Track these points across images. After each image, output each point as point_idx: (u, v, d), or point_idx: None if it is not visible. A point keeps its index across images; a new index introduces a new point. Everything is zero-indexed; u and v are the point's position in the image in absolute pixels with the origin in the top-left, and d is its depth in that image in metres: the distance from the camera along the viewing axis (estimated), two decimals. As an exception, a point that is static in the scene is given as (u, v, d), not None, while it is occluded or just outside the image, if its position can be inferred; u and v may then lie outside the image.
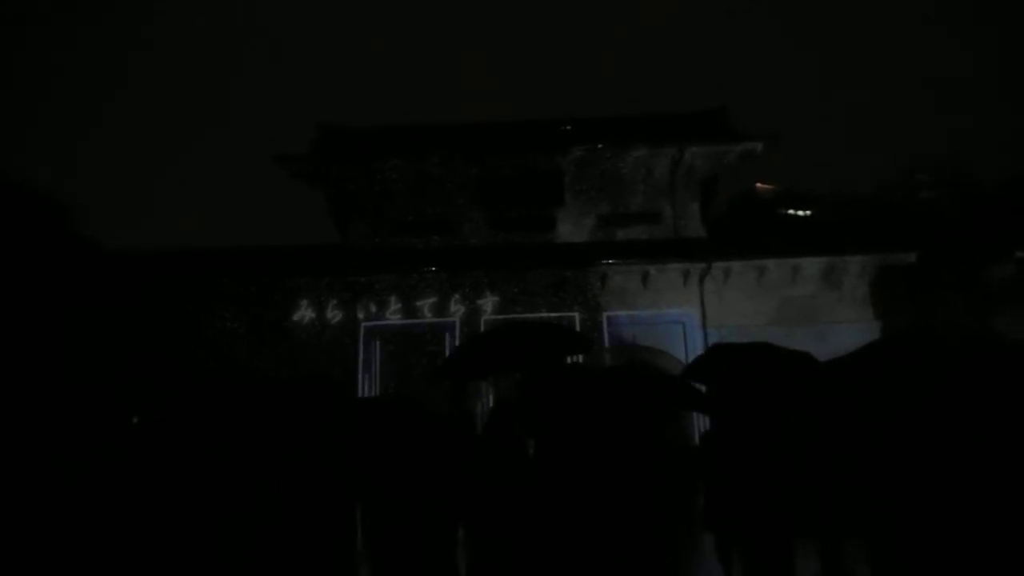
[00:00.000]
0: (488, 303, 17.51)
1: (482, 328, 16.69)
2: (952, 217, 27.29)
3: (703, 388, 6.79)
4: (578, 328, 16.05)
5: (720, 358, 6.90)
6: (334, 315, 17.51)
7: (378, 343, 17.68)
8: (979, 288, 19.96)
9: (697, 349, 16.92)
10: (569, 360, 8.95)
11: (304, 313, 17.47)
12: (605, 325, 17.43)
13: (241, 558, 4.71)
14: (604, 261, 17.55)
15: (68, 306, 16.05)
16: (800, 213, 42.13)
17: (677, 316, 17.62)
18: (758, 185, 46.55)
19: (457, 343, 16.16)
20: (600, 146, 19.14)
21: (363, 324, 17.49)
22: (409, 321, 17.54)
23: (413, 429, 5.77)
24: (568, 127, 21.01)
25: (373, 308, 17.53)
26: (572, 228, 19.48)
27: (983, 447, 3.83)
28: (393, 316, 17.55)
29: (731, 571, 5.96)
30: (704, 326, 17.29)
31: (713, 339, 15.42)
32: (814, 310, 17.66)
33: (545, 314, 17.16)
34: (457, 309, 17.52)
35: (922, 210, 32.18)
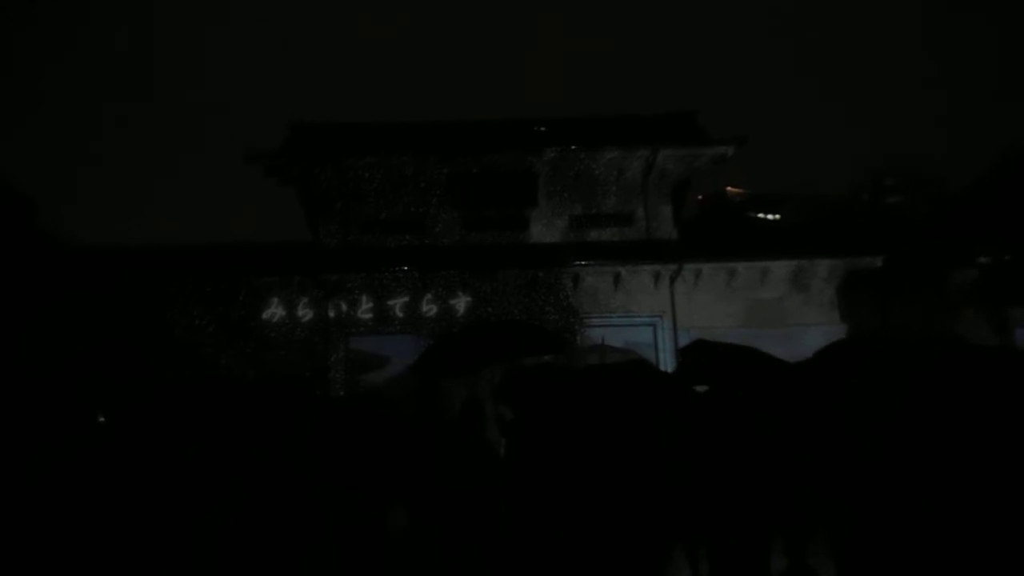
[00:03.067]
0: (461, 303, 17.49)
1: (454, 328, 16.66)
2: (918, 221, 27.76)
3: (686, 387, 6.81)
4: (550, 328, 16.08)
5: (705, 356, 6.97)
6: (304, 314, 17.38)
7: (349, 342, 17.58)
8: (943, 293, 20.33)
9: (668, 351, 17.07)
10: (542, 360, 8.98)
11: (274, 311, 17.32)
12: (577, 326, 17.50)
13: (206, 558, 4.65)
14: (577, 262, 17.63)
15: (32, 302, 15.76)
16: (769, 217, 42.64)
17: (648, 317, 17.75)
18: (728, 189, 47.02)
19: (429, 342, 16.10)
20: (574, 147, 19.19)
21: (334, 323, 17.38)
22: (381, 320, 17.47)
23: (380, 429, 5.74)
24: (542, 128, 21.03)
25: (344, 307, 17.43)
26: (545, 229, 19.52)
27: (945, 446, 3.90)
28: (364, 315, 17.46)
29: (698, 569, 6.01)
30: (675, 328, 17.43)
31: (683, 340, 15.54)
32: (782, 313, 17.89)
33: (517, 314, 17.18)
34: (429, 308, 17.48)
35: (889, 214, 32.70)
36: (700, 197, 36.97)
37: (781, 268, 17.94)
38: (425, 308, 17.48)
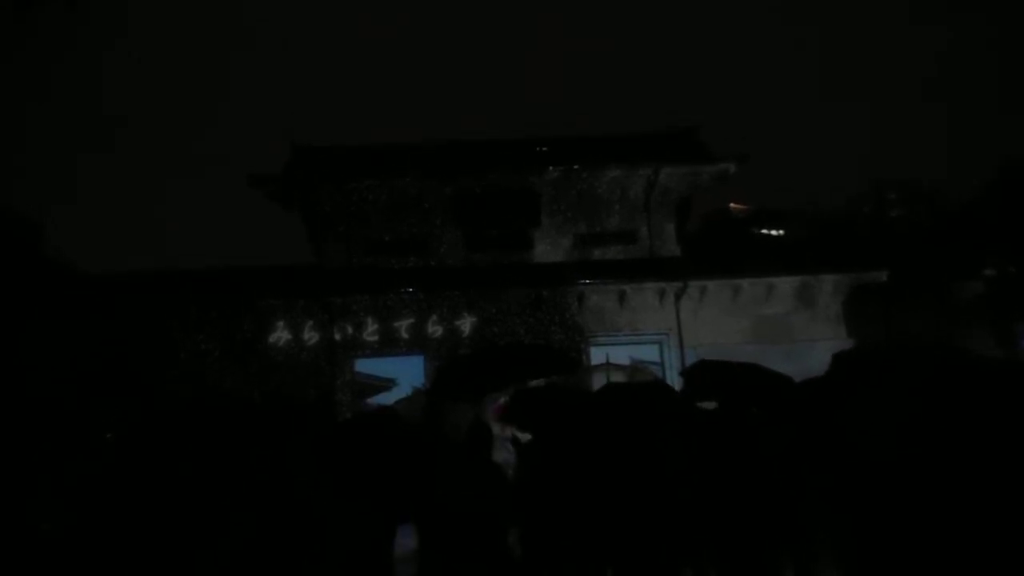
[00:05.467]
0: (466, 323, 17.49)
1: (460, 348, 16.66)
2: (922, 236, 27.74)
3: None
4: (556, 347, 16.05)
5: (709, 376, 6.94)
6: (310, 336, 17.39)
7: (355, 364, 17.57)
8: (949, 306, 20.29)
9: (674, 368, 17.02)
10: (551, 381, 8.95)
11: (280, 334, 17.33)
12: (583, 344, 17.47)
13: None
14: (581, 280, 17.63)
15: (40, 327, 15.80)
16: (773, 232, 42.64)
17: (654, 335, 17.71)
18: (732, 205, 47.09)
19: (435, 364, 16.09)
20: (576, 167, 19.28)
21: (339, 345, 17.38)
22: (386, 342, 17.46)
23: (386, 449, 5.71)
24: (544, 147, 21.14)
25: (350, 329, 17.43)
26: (549, 248, 19.56)
27: (955, 460, 3.88)
28: (370, 337, 17.46)
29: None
30: (681, 345, 17.39)
31: (690, 358, 15.51)
32: (789, 328, 17.84)
33: (523, 334, 17.18)
34: (435, 330, 17.48)
35: (893, 228, 32.68)
36: (703, 214, 37.02)
37: (786, 284, 17.92)
38: (431, 329, 17.47)
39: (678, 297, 17.74)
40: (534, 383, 7.46)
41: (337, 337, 17.36)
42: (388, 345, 17.47)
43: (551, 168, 19.24)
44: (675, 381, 16.05)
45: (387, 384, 17.33)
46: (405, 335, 17.48)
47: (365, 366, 17.64)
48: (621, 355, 16.19)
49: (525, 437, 6.12)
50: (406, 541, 5.76)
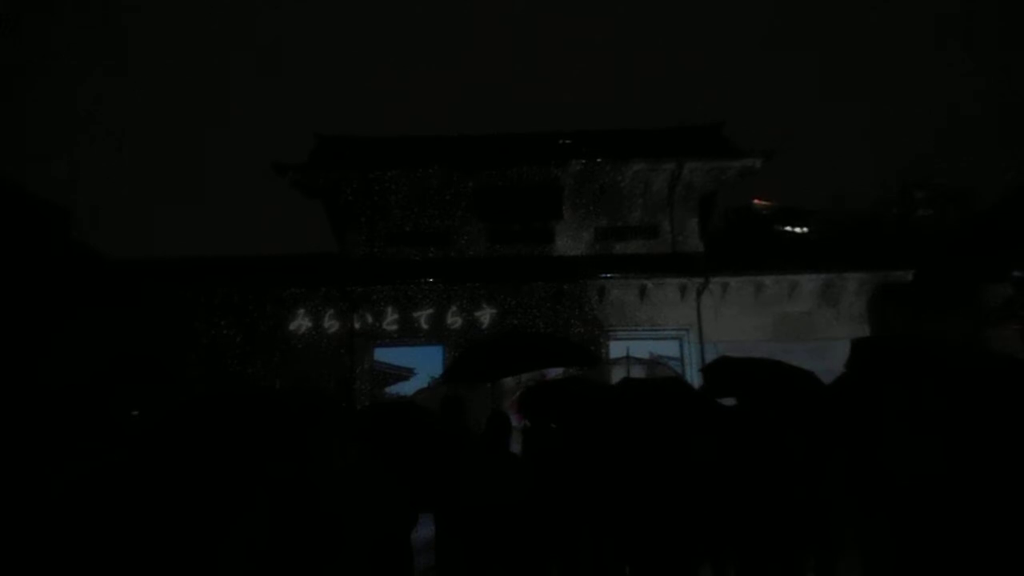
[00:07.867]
0: (485, 315, 17.49)
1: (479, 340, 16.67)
2: (949, 235, 27.35)
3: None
4: (576, 341, 16.02)
5: (730, 372, 6.88)
6: (331, 325, 17.49)
7: (374, 353, 17.65)
8: (976, 307, 19.98)
9: (694, 364, 16.93)
10: (569, 372, 8.93)
11: (301, 323, 17.44)
12: (602, 338, 17.42)
13: (230, 572, 4.65)
14: (602, 275, 17.57)
15: (64, 313, 15.99)
16: (797, 230, 42.18)
17: (675, 330, 17.62)
18: (756, 201, 46.61)
19: (454, 354, 16.13)
20: (599, 160, 19.15)
21: (359, 334, 17.46)
22: (406, 331, 17.52)
23: (407, 439, 5.72)
24: (567, 140, 21.04)
25: (370, 318, 17.51)
26: (570, 241, 19.48)
27: (978, 461, 3.81)
28: (390, 326, 17.52)
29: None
30: (701, 341, 17.29)
31: (710, 354, 15.40)
32: (811, 326, 17.68)
33: (543, 327, 17.16)
34: (454, 320, 17.51)
35: (919, 228, 32.25)
36: (727, 210, 36.70)
37: (810, 282, 17.74)
38: (450, 320, 17.51)
39: (699, 293, 17.63)
40: (552, 375, 7.45)
41: (357, 326, 17.44)
42: (407, 335, 17.54)
43: (574, 161, 19.13)
44: (694, 377, 15.96)
45: (406, 373, 17.42)
46: (425, 325, 17.53)
47: (384, 355, 17.74)
48: (640, 350, 16.11)
49: (527, 425, 6.10)
50: (423, 531, 5.78)
